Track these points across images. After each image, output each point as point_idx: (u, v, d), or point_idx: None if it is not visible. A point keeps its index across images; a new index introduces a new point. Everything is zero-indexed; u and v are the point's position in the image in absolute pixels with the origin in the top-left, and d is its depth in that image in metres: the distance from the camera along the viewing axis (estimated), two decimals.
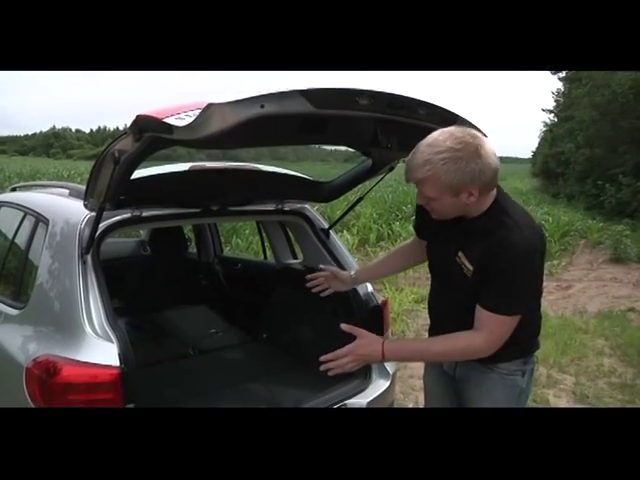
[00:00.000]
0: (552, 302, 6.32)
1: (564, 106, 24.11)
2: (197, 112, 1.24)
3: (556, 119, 26.15)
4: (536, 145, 32.38)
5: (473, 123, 1.65)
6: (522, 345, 1.65)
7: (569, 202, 18.33)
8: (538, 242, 1.51)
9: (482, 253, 1.51)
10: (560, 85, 24.90)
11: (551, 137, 25.29)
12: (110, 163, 1.53)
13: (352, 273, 2.01)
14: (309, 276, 2.00)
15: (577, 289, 7.23)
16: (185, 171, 2.06)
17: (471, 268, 1.54)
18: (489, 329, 1.51)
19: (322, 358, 1.56)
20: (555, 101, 26.30)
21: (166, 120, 1.27)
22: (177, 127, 1.27)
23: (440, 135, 1.42)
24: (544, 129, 28.77)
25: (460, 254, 1.57)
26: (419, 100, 1.53)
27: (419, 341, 1.63)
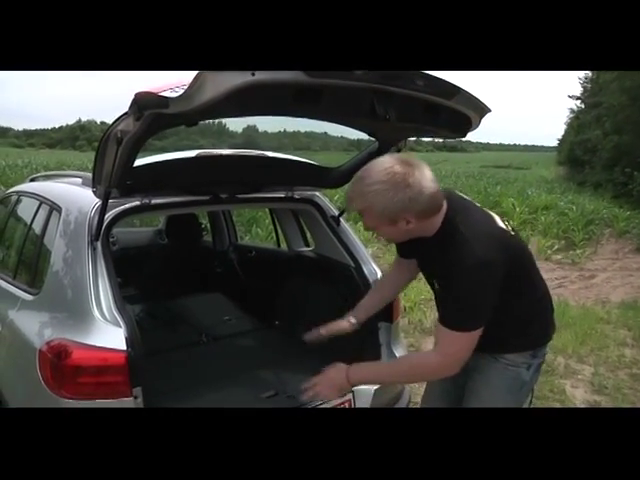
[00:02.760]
0: (574, 292, 6.22)
1: (591, 92, 23.56)
2: None
3: (583, 105, 25.60)
4: (562, 133, 31.80)
5: (476, 97, 1.66)
6: (531, 337, 1.68)
7: (595, 190, 17.95)
8: (493, 252, 1.45)
9: (439, 271, 1.55)
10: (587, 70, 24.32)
11: (577, 124, 24.81)
12: (113, 144, 1.54)
13: (352, 320, 1.90)
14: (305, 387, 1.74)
15: (601, 279, 7.09)
16: (192, 158, 2.08)
17: (437, 286, 1.60)
18: (444, 346, 1.52)
19: (305, 387, 1.68)
20: (582, 87, 25.74)
21: (162, 93, 1.29)
22: (172, 99, 1.28)
23: (374, 166, 1.45)
24: (570, 116, 28.24)
25: (431, 271, 1.64)
26: (415, 71, 1.49)
27: (381, 364, 1.68)
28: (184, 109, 1.29)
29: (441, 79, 1.54)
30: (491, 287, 1.45)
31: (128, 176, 1.71)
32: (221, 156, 2.15)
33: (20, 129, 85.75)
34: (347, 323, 1.89)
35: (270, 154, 2.31)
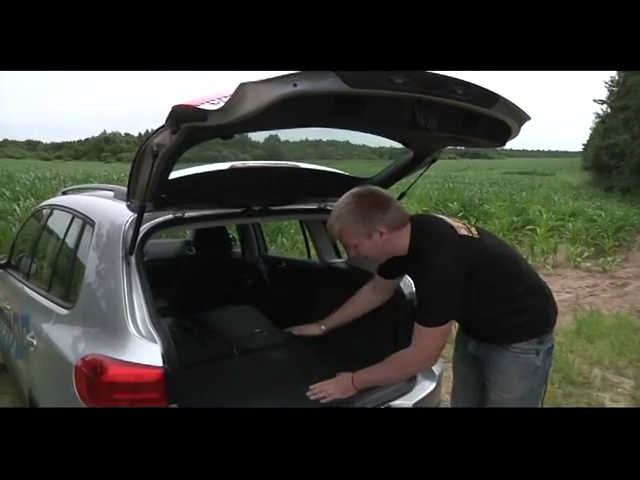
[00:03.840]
0: (606, 300, 6.04)
1: (618, 95, 23.15)
2: None
3: (609, 109, 25.14)
4: (587, 137, 31.28)
5: (515, 104, 1.63)
6: (531, 326, 1.83)
7: (624, 196, 17.58)
8: (450, 259, 1.68)
9: (413, 282, 1.91)
10: (614, 73, 23.90)
11: (604, 128, 24.35)
12: (149, 158, 1.53)
13: (322, 327, 2.24)
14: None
15: (634, 287, 6.87)
16: (225, 170, 2.06)
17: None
18: (417, 341, 1.77)
19: (311, 387, 1.94)
20: (609, 90, 25.31)
21: (200, 106, 1.27)
22: (211, 111, 1.26)
23: (344, 195, 1.78)
24: (596, 120, 27.77)
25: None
26: (456, 79, 1.47)
27: (377, 366, 1.87)
28: (223, 122, 1.27)
29: (481, 87, 1.51)
30: (450, 288, 1.69)
31: (163, 189, 1.70)
32: (254, 168, 2.13)
33: (48, 142, 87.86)
34: (318, 329, 2.25)
35: (302, 165, 2.29)
